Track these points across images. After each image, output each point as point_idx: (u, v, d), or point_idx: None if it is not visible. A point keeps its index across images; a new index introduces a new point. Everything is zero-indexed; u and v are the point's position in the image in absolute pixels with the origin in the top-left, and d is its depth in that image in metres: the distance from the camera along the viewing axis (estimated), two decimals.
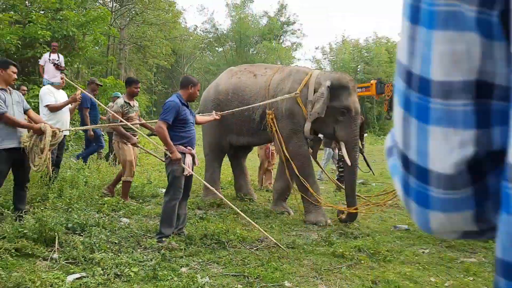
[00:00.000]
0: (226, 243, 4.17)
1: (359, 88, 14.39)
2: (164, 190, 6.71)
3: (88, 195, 5.39)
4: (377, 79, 15.70)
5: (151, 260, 3.50)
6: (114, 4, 24.95)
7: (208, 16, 57.02)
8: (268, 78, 5.83)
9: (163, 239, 4.03)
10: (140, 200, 5.90)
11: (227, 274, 3.43)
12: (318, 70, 5.84)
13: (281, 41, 45.85)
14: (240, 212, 4.55)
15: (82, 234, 4.05)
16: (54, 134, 4.35)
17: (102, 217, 4.63)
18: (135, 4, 24.50)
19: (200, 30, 42.52)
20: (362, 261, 3.95)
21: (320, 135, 5.91)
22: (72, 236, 3.93)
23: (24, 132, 4.29)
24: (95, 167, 6.89)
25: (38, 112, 5.48)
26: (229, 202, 4.74)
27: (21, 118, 4.35)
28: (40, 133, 4.24)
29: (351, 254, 4.07)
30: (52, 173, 5.13)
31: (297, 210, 5.99)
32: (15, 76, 4.43)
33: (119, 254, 3.60)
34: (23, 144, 4.18)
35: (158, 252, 3.73)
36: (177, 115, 4.19)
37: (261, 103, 5.57)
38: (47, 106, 5.72)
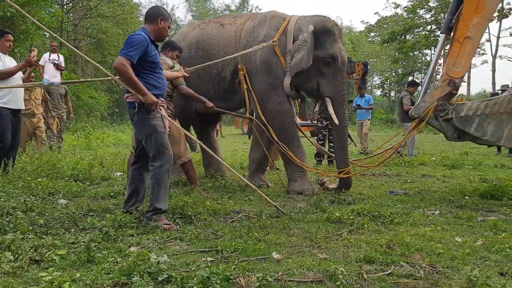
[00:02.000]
0: (192, 217, 3.24)
1: None
2: (118, 174, 5.78)
3: (18, 179, 4.33)
4: (347, 58, 15.11)
5: (89, 241, 2.53)
6: None
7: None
8: (238, 27, 4.89)
9: (160, 215, 3.06)
10: (87, 183, 4.86)
11: (193, 251, 2.52)
12: (297, 15, 4.93)
13: None
14: (241, 176, 3.81)
15: None
16: None
17: (33, 201, 3.60)
18: None
19: None
20: (365, 225, 3.13)
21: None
22: None
23: None
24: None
25: None
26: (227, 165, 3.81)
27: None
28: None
29: (350, 218, 3.24)
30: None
31: (277, 183, 5.13)
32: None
33: (43, 237, 2.62)
34: None
35: (100, 231, 2.76)
36: (144, 54, 3.07)
37: (231, 56, 4.64)
38: None
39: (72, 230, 2.83)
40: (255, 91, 4.60)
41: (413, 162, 7.34)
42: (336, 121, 4.45)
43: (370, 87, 46.89)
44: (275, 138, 4.50)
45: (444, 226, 3.18)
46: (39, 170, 4.95)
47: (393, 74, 41.40)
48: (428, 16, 30.58)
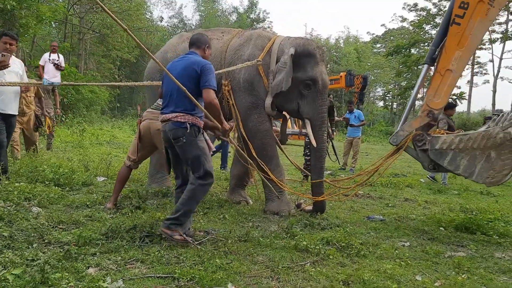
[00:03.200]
0: (159, 236, 3.26)
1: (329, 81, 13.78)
2: (101, 179, 5.80)
3: None
4: (347, 71, 15.09)
5: (50, 258, 2.54)
6: None
7: (175, 10, 55.45)
8: (224, 44, 4.92)
9: (177, 226, 3.10)
10: (67, 188, 4.87)
11: (150, 276, 2.53)
12: (282, 35, 4.98)
13: None
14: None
15: None
16: None
17: (3, 208, 3.62)
18: None
19: (167, 24, 41.23)
20: (331, 256, 3.14)
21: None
22: None
23: None
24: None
25: None
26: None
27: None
28: None
29: (317, 247, 3.25)
30: None
31: (257, 200, 5.14)
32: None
33: (3, 251, 2.63)
34: None
35: (62, 249, 2.78)
36: None
37: (216, 72, 4.66)
38: None
39: (35, 245, 2.84)
40: (237, 109, 4.62)
41: (400, 184, 7.35)
42: (314, 143, 4.47)
43: (372, 98, 47.01)
44: (254, 155, 4.52)
45: (409, 262, 3.19)
46: (19, 172, 4.95)
47: (396, 86, 41.43)
48: (433, 32, 30.59)
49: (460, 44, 4.09)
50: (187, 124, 3.16)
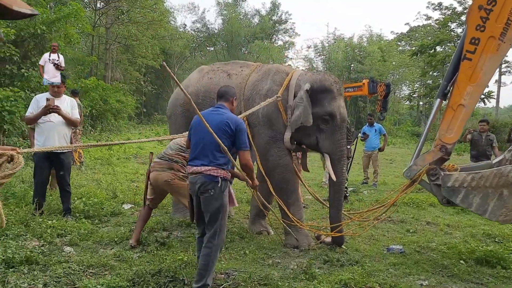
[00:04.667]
0: (184, 281, 3.42)
1: (351, 88, 13.71)
2: (128, 206, 6.05)
3: (30, 217, 4.62)
4: (369, 78, 14.95)
5: None
6: (100, 2, 24.14)
7: (198, 15, 56.05)
8: (243, 78, 5.06)
9: None
10: (96, 221, 5.12)
11: None
12: (300, 70, 5.09)
13: (273, 40, 45.24)
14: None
15: (5, 273, 3.27)
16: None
17: (38, 247, 3.87)
18: (121, 2, 23.64)
19: (190, 29, 41.77)
20: None
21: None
22: None
23: None
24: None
25: None
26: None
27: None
28: None
29: None
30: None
31: (278, 228, 5.25)
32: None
33: None
34: None
35: None
36: None
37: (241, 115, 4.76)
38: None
39: None
40: (256, 144, 4.75)
41: (423, 203, 7.31)
42: (334, 177, 4.55)
43: (397, 97, 46.27)
44: (272, 192, 4.64)
45: None
46: (51, 205, 5.23)
47: (422, 85, 40.66)
48: (459, 30, 29.91)
49: (472, 79, 4.10)
50: (219, 179, 3.26)
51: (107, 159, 11.01)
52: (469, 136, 8.44)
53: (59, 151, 5.01)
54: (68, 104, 5.27)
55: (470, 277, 3.97)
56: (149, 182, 4.42)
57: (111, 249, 4.20)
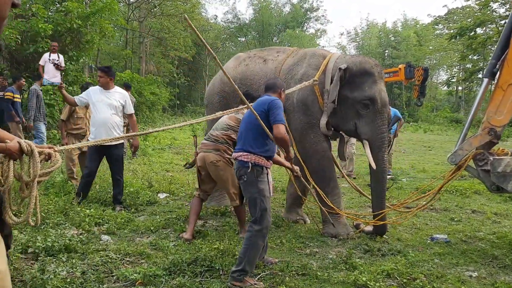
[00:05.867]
0: (220, 271, 3.35)
1: (387, 74, 13.30)
2: (163, 195, 6.06)
3: (69, 206, 4.69)
4: (406, 63, 14.41)
5: None
6: None
7: (229, 6, 56.00)
8: (279, 63, 4.91)
9: (245, 275, 3.13)
10: (132, 210, 5.14)
11: None
12: (338, 53, 4.88)
13: (304, 28, 44.62)
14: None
15: (43, 261, 3.30)
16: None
17: (77, 236, 3.91)
18: None
19: (222, 20, 41.84)
20: None
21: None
22: (27, 265, 3.20)
23: None
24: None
25: None
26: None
27: None
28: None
29: (377, 284, 3.18)
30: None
31: (315, 216, 5.11)
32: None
33: None
34: None
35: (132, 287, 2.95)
36: None
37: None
38: None
39: (105, 285, 3.03)
40: (292, 130, 4.60)
41: (467, 190, 6.97)
42: (373, 165, 4.35)
43: (435, 82, 44.71)
44: (309, 179, 4.49)
45: None
46: (90, 194, 5.29)
47: (461, 70, 39.04)
48: (502, 10, 28.41)
49: None
50: (250, 164, 3.19)
51: (143, 150, 11.14)
52: None
53: (107, 143, 4.79)
54: (119, 97, 5.26)
55: None
56: (197, 168, 4.37)
57: (147, 237, 4.19)
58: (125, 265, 3.42)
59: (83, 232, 4.15)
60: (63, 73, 8.37)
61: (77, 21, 10.46)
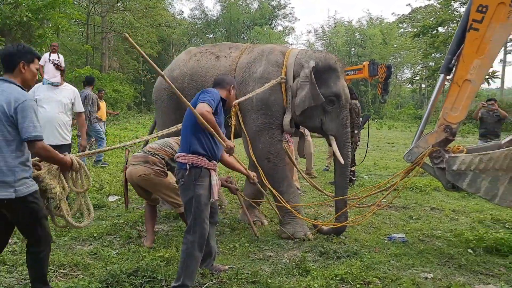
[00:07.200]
0: (162, 282, 3.10)
1: (351, 71, 13.32)
2: (114, 198, 5.72)
3: None
4: (370, 60, 14.51)
5: None
6: None
7: (196, 2, 55.37)
8: (233, 61, 4.67)
9: None
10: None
11: None
12: (297, 48, 4.71)
13: (273, 26, 44.56)
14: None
15: None
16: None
17: (9, 245, 3.56)
18: None
19: (188, 16, 41.20)
20: None
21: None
22: None
23: None
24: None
25: None
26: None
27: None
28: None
29: None
30: None
31: (273, 218, 4.92)
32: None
33: None
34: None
35: None
36: (215, 110, 2.96)
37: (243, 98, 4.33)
38: None
39: None
40: (246, 129, 4.39)
41: (426, 187, 6.97)
42: (341, 160, 4.23)
43: (399, 80, 45.66)
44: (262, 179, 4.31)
45: None
46: None
47: (424, 67, 40.00)
48: (462, 9, 29.20)
49: (479, 51, 3.71)
50: (187, 166, 2.92)
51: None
52: (482, 111, 8.06)
53: (52, 143, 4.29)
54: (68, 95, 4.97)
55: (479, 268, 3.63)
56: (125, 183, 4.08)
57: (89, 245, 3.88)
58: (58, 277, 3.12)
59: (18, 241, 3.80)
60: (63, 73, 7.93)
61: (27, 13, 9.88)
